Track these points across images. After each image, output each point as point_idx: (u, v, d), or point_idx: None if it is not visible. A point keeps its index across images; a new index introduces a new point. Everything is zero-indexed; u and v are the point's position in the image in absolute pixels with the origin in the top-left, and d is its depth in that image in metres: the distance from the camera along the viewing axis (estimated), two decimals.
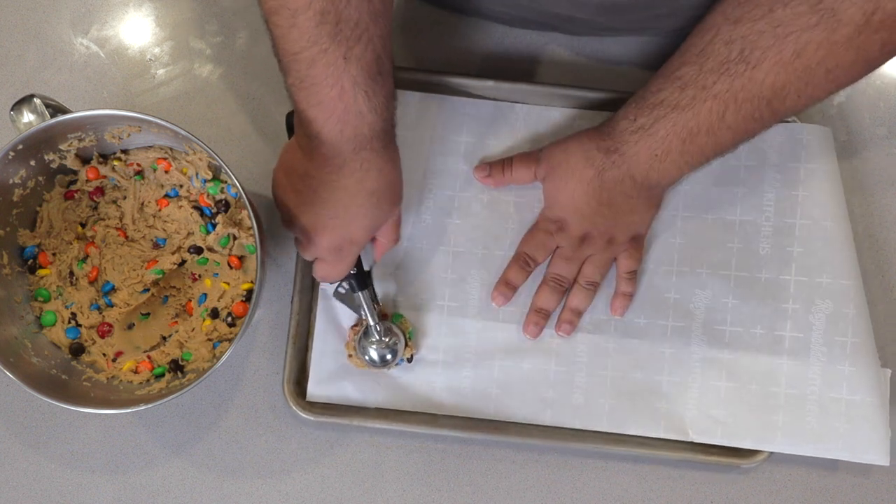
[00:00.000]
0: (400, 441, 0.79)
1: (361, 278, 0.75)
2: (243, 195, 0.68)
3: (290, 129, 0.75)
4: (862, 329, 0.76)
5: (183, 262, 0.77)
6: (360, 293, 0.75)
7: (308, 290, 0.79)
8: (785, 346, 0.77)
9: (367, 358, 0.76)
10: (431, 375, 0.78)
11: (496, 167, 0.77)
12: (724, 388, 0.77)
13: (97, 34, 0.81)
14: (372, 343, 0.76)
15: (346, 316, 0.78)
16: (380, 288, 0.78)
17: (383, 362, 0.76)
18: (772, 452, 0.77)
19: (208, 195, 0.76)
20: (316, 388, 0.78)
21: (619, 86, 0.79)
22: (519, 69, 0.82)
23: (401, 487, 0.79)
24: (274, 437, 0.79)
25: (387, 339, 0.76)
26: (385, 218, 0.69)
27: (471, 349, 0.78)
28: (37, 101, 0.68)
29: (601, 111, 0.79)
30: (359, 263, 0.74)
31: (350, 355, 0.77)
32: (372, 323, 0.76)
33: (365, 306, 0.75)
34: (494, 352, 0.78)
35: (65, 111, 0.70)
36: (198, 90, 0.81)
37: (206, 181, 0.76)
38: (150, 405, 0.68)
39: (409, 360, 0.78)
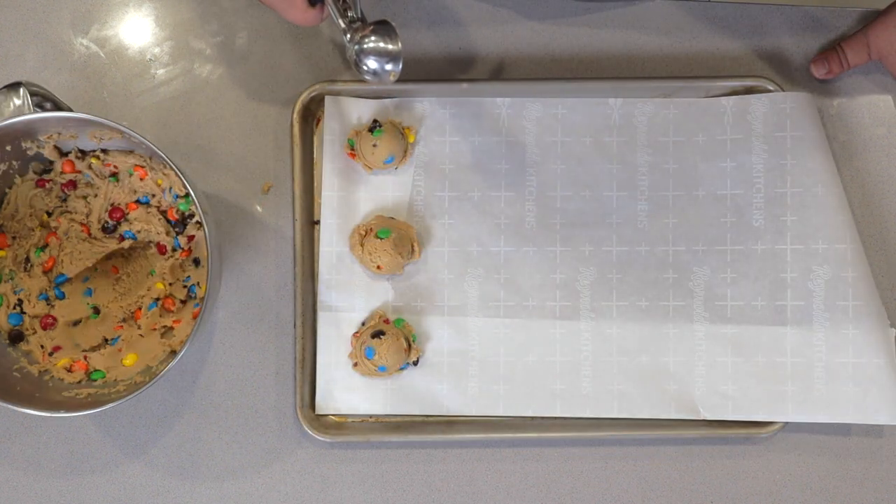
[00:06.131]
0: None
1: None
2: (204, 224, 0.68)
3: None
4: (863, 291, 0.76)
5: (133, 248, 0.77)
6: None
7: (310, 313, 0.79)
8: (787, 316, 0.77)
9: (364, 68, 0.64)
10: (438, 378, 0.78)
11: (832, 60, 0.79)
12: (731, 363, 0.77)
13: (97, 34, 0.81)
14: (356, 43, 0.63)
15: (348, 324, 0.78)
16: (377, 295, 0.78)
17: (384, 70, 0.64)
18: (785, 422, 0.77)
19: (178, 210, 0.76)
20: (324, 401, 0.78)
21: (587, 74, 0.81)
22: (487, 68, 0.82)
23: (401, 487, 0.79)
24: (275, 437, 0.79)
25: (373, 39, 0.63)
26: None
27: (474, 347, 0.78)
28: (23, 90, 0.68)
29: (582, 97, 0.79)
30: None
31: (356, 364, 0.77)
32: (343, 25, 0.63)
33: (332, 7, 0.63)
34: (498, 348, 0.78)
35: (54, 100, 0.70)
36: (198, 90, 0.81)
37: (177, 196, 0.76)
38: (70, 414, 0.68)
39: (415, 363, 0.78)
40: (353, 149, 0.78)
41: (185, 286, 0.76)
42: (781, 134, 0.78)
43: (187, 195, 0.75)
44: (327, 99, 0.79)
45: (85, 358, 0.75)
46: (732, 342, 0.77)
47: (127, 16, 0.82)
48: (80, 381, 0.74)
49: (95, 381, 0.74)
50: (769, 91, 0.79)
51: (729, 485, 0.79)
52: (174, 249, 0.76)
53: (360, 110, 0.79)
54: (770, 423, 0.77)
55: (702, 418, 0.77)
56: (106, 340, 0.76)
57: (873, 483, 0.79)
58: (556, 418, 0.78)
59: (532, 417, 0.78)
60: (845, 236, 0.77)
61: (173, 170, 0.68)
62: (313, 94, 0.79)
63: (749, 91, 0.79)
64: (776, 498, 0.79)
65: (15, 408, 0.68)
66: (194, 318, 0.73)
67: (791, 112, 0.78)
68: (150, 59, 0.81)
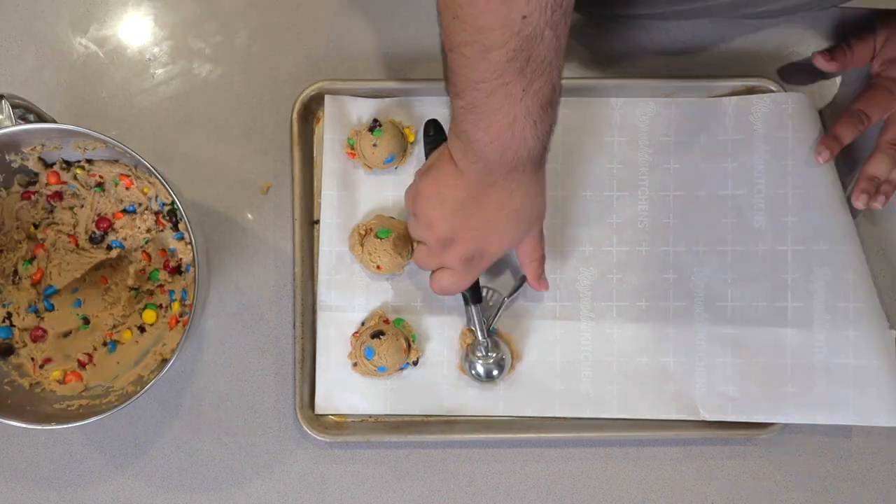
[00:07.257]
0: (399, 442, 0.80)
1: (476, 292, 0.76)
2: (190, 232, 0.68)
3: (427, 135, 0.76)
4: (864, 293, 0.76)
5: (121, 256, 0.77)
6: (472, 307, 0.76)
7: (310, 312, 0.79)
8: (788, 317, 0.77)
9: (473, 372, 0.77)
10: (437, 377, 0.78)
11: (837, 52, 0.78)
12: (731, 364, 0.77)
13: (96, 34, 0.81)
14: (479, 358, 0.77)
15: (348, 324, 0.78)
16: (377, 295, 0.78)
17: (489, 377, 0.77)
18: (785, 424, 0.77)
19: (165, 216, 0.76)
20: (324, 401, 0.78)
21: (587, 74, 0.80)
22: None
23: (400, 488, 0.79)
24: (274, 437, 0.79)
25: (493, 355, 0.77)
26: (522, 236, 0.70)
27: None
28: (5, 103, 0.68)
29: (583, 97, 0.79)
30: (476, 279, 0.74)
31: (355, 364, 0.77)
32: (481, 338, 0.76)
33: (476, 320, 0.76)
34: None
35: (37, 112, 0.69)
36: (197, 90, 0.81)
37: (164, 205, 0.76)
38: (61, 426, 0.68)
39: (415, 363, 0.78)
40: (353, 148, 0.78)
41: (173, 295, 0.76)
42: (783, 135, 0.78)
43: (173, 203, 0.75)
44: (327, 98, 0.79)
45: (80, 365, 0.75)
46: (732, 343, 0.77)
47: (126, 15, 0.81)
48: (71, 393, 0.74)
49: (89, 388, 0.74)
50: (771, 91, 0.78)
51: (729, 485, 0.79)
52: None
53: (360, 110, 0.79)
54: (770, 425, 0.77)
55: (702, 419, 0.77)
56: (95, 349, 0.76)
57: (874, 484, 0.79)
58: (556, 418, 0.78)
59: (532, 417, 0.78)
60: (846, 238, 0.77)
61: (158, 179, 0.68)
62: (313, 93, 0.78)
63: (750, 91, 0.79)
64: (776, 499, 0.79)
65: (7, 422, 0.68)
66: (184, 326, 0.73)
67: (792, 113, 0.78)
68: (150, 59, 0.81)
